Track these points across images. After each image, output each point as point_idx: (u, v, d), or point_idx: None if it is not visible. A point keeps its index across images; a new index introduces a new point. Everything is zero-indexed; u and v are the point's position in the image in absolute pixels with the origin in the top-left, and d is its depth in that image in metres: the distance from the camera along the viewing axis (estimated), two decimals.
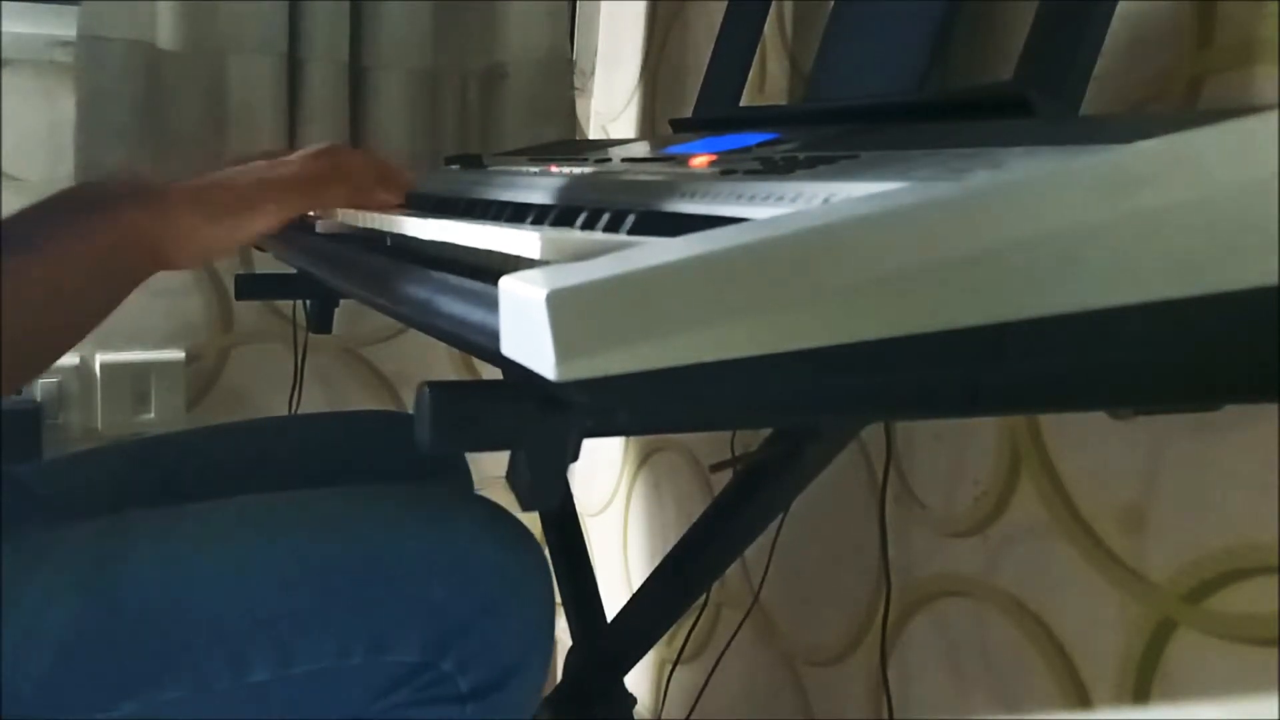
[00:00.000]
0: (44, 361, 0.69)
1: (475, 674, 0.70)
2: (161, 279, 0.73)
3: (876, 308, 0.34)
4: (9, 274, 0.62)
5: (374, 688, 0.68)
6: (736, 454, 1.14)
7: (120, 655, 0.63)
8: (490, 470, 1.09)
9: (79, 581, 0.64)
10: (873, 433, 1.02)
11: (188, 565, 0.67)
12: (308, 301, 1.19)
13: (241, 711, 0.66)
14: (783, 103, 1.16)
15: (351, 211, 0.75)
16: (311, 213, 0.79)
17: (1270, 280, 0.37)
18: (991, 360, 0.37)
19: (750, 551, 1.00)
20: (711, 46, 1.05)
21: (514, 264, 0.42)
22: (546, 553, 1.10)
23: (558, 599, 1.07)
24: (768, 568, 1.15)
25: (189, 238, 0.71)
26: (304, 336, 1.35)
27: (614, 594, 1.06)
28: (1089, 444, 0.83)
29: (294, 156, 0.80)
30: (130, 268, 0.70)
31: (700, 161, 0.68)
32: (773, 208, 0.48)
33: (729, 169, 0.60)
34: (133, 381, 1.32)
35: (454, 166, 1.02)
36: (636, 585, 0.91)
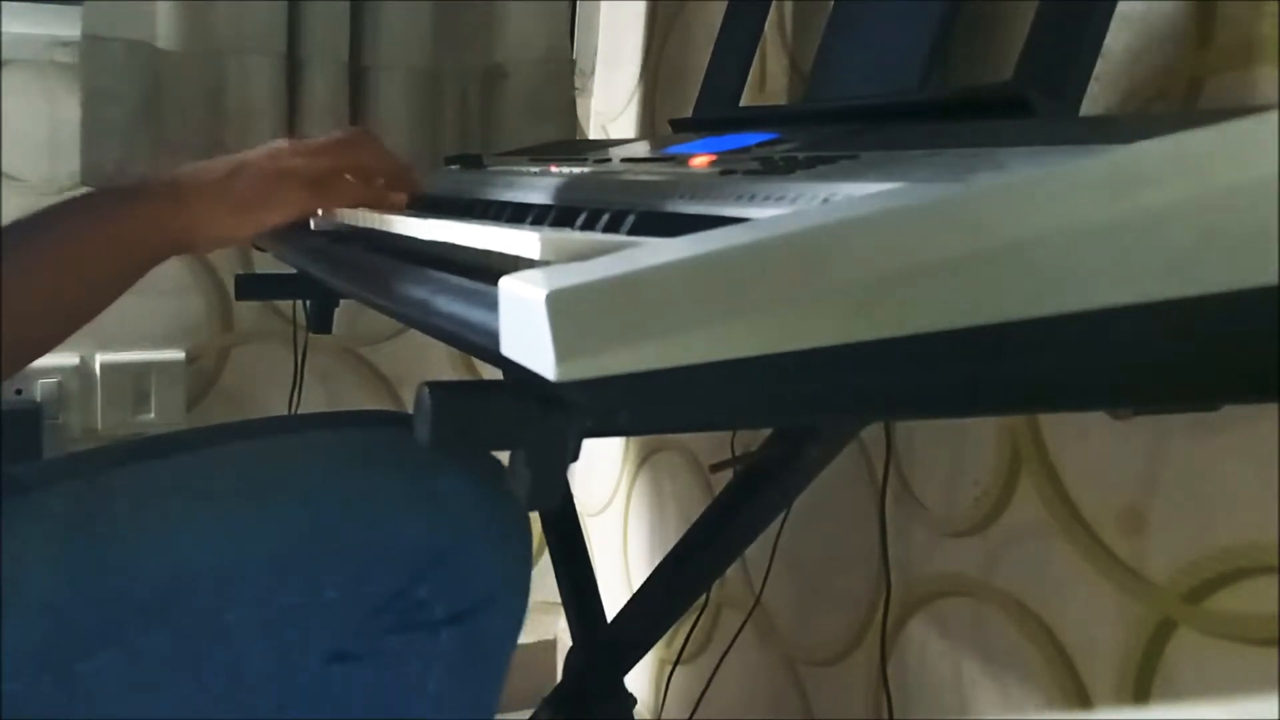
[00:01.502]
0: (50, 342, 0.72)
1: (451, 601, 0.69)
2: (162, 279, 0.75)
3: (876, 308, 0.34)
4: (34, 251, 0.66)
5: (351, 620, 0.68)
6: (736, 454, 1.14)
7: (98, 604, 0.63)
8: None
9: (61, 543, 0.65)
10: (873, 433, 1.02)
11: (161, 512, 0.68)
12: (307, 301, 1.19)
13: (218, 652, 0.66)
14: (783, 103, 1.16)
15: (351, 211, 0.75)
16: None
17: (1270, 280, 0.37)
18: (991, 360, 0.37)
19: (750, 551, 1.00)
20: (711, 46, 1.05)
21: (514, 264, 0.42)
22: (546, 554, 1.10)
23: (557, 599, 1.08)
24: (768, 568, 1.15)
25: (207, 227, 0.75)
26: (304, 336, 1.35)
27: (614, 594, 1.06)
28: (1089, 444, 0.83)
29: (316, 144, 0.81)
30: (149, 253, 0.74)
31: (700, 161, 0.68)
32: (773, 208, 0.48)
33: (729, 169, 0.60)
34: (133, 381, 1.32)
35: (454, 166, 1.02)
36: (636, 585, 0.91)
